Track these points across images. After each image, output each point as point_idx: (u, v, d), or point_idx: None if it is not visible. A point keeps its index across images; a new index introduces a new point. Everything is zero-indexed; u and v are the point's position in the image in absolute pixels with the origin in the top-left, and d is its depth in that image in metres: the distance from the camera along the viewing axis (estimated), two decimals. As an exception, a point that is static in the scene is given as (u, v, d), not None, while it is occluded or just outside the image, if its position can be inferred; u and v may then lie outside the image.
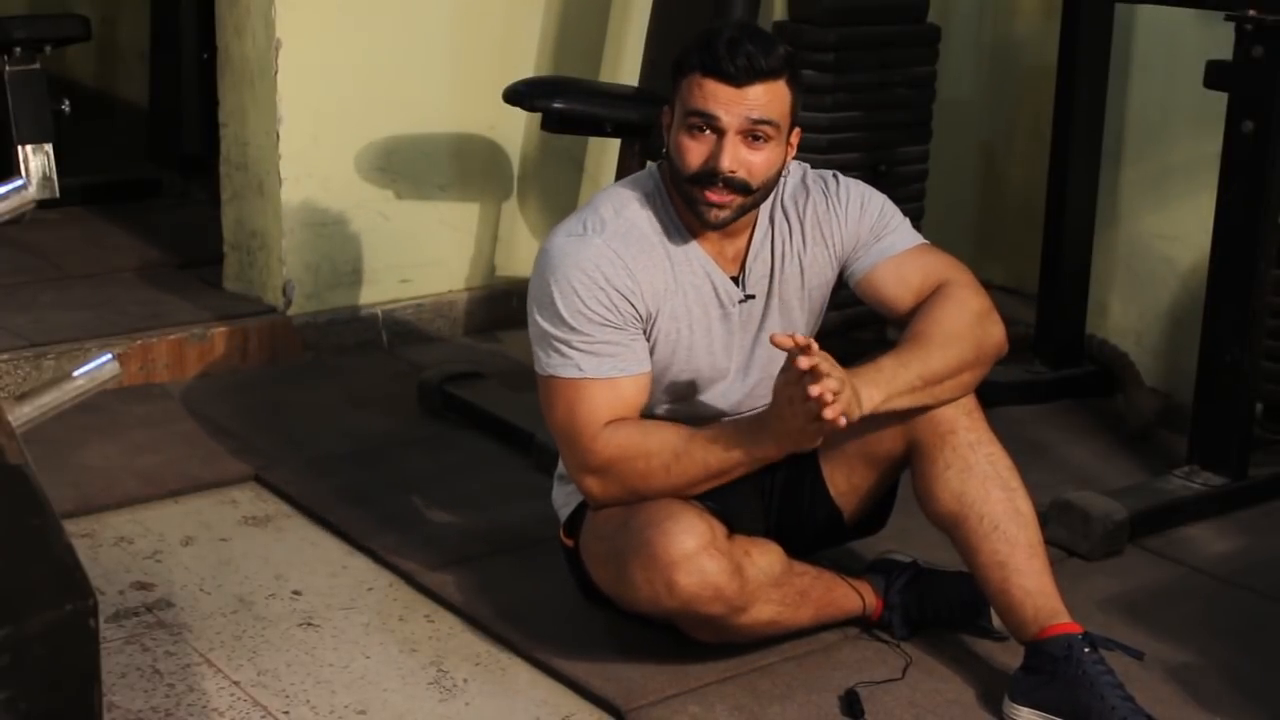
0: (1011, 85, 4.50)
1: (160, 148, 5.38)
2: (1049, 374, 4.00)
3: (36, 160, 4.46)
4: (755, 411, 2.59)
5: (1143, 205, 4.07)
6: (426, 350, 4.27)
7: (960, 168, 4.56)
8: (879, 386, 2.49)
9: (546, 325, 2.54)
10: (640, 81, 3.93)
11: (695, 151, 2.50)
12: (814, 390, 2.36)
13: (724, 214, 2.54)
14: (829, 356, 2.40)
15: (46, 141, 4.47)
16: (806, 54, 3.83)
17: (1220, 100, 3.30)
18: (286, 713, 2.53)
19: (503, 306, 4.50)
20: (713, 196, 2.51)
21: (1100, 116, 3.93)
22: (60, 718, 1.49)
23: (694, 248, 2.61)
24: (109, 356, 1.95)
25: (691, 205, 2.55)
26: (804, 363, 2.36)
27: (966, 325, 2.61)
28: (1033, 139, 4.30)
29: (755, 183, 2.52)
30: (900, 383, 2.51)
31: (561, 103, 3.57)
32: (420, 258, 4.36)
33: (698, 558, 2.44)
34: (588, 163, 4.60)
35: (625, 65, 4.45)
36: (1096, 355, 4.06)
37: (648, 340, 2.58)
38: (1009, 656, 2.69)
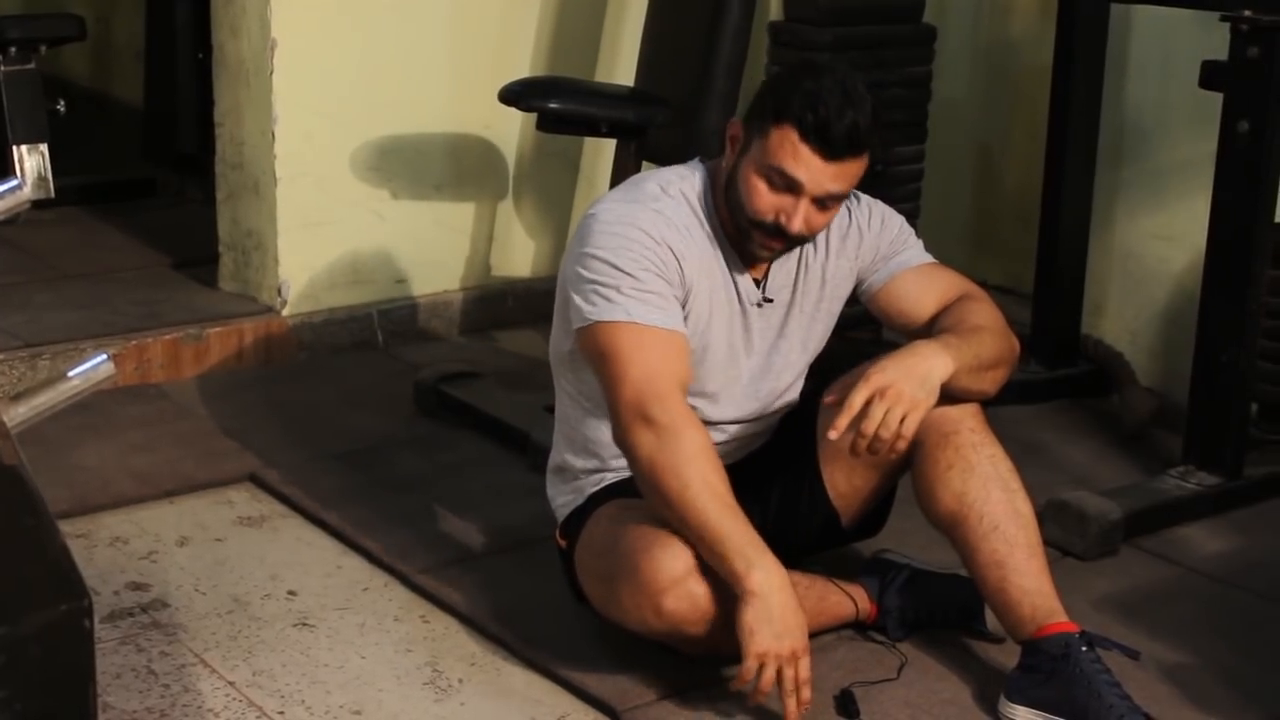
0: (1007, 85, 4.50)
1: (155, 147, 5.37)
2: (1045, 373, 4.00)
3: (32, 160, 4.45)
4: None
5: (1138, 205, 4.07)
6: (422, 350, 4.27)
7: (956, 167, 4.55)
8: (949, 356, 2.51)
9: (593, 274, 2.49)
10: (636, 82, 3.92)
11: (767, 201, 2.50)
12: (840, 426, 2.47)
13: (770, 256, 2.60)
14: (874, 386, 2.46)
15: (42, 141, 4.46)
16: (802, 53, 3.83)
17: (1215, 100, 3.30)
18: (282, 713, 2.53)
19: (498, 306, 4.50)
20: (769, 243, 2.55)
21: (1096, 116, 3.93)
22: (55, 718, 1.49)
23: (725, 244, 2.62)
24: (104, 357, 1.95)
25: (742, 236, 2.57)
26: (830, 434, 2.48)
27: (1002, 327, 2.68)
28: (1028, 139, 4.30)
29: (809, 236, 2.56)
30: (966, 357, 2.55)
31: (557, 103, 3.56)
32: (416, 257, 4.36)
33: (686, 581, 2.43)
34: (583, 163, 4.60)
35: (621, 65, 4.45)
36: (1092, 355, 4.06)
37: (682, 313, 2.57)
38: (1005, 656, 2.69)
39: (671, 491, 2.41)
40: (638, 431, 2.44)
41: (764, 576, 2.38)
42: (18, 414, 1.84)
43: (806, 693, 2.40)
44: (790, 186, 2.48)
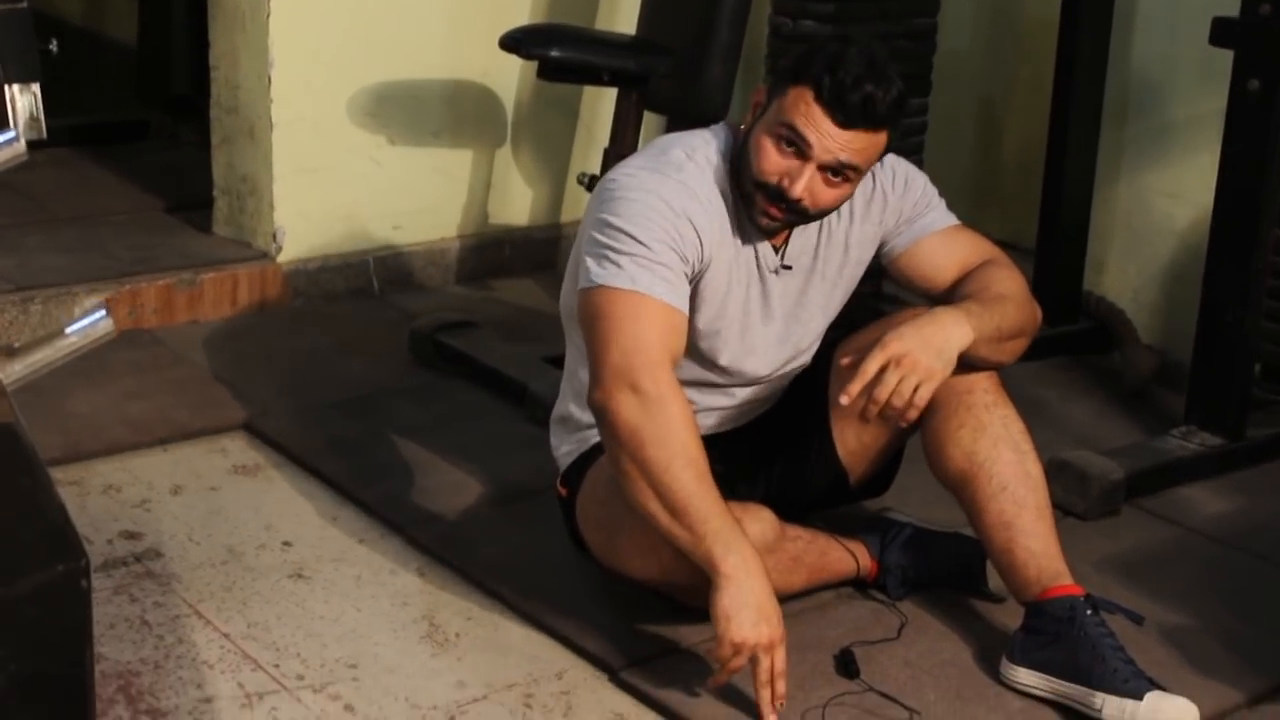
0: (1012, 38, 4.46)
1: (149, 89, 5.32)
2: (1046, 330, 3.94)
3: (24, 100, 4.40)
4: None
5: (1143, 162, 4.04)
6: (418, 298, 4.23)
7: (960, 121, 4.52)
8: (969, 325, 2.49)
9: (607, 239, 2.43)
10: (638, 31, 3.88)
11: (774, 162, 2.45)
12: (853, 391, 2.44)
13: (772, 225, 2.53)
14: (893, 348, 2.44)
15: (34, 81, 4.41)
16: (806, 5, 3.79)
17: (1224, 56, 3.27)
18: (276, 665, 2.51)
19: (496, 254, 4.47)
20: (770, 209, 2.48)
21: (1102, 71, 3.89)
22: (51, 678, 1.48)
23: (743, 211, 2.55)
24: (103, 313, 1.92)
25: (745, 201, 2.51)
26: (842, 399, 2.46)
27: (1025, 295, 2.65)
28: (1033, 93, 4.26)
29: (815, 212, 2.50)
30: (987, 327, 2.52)
31: (558, 50, 3.52)
32: (412, 204, 4.32)
33: None
34: (583, 111, 4.55)
35: (622, 14, 4.40)
36: (1093, 312, 4.03)
37: (698, 287, 2.52)
38: (1006, 617, 2.68)
39: (655, 462, 2.32)
40: (622, 397, 2.35)
41: (740, 561, 2.30)
42: (14, 371, 1.81)
43: (781, 686, 2.34)
44: (798, 147, 2.42)
